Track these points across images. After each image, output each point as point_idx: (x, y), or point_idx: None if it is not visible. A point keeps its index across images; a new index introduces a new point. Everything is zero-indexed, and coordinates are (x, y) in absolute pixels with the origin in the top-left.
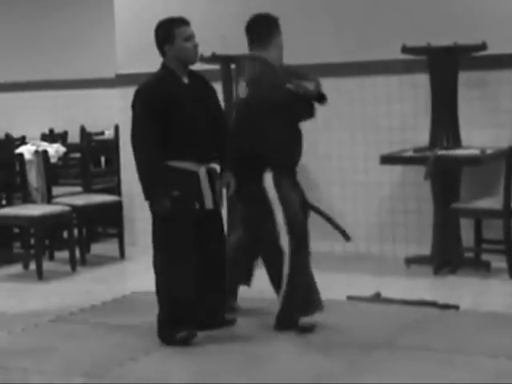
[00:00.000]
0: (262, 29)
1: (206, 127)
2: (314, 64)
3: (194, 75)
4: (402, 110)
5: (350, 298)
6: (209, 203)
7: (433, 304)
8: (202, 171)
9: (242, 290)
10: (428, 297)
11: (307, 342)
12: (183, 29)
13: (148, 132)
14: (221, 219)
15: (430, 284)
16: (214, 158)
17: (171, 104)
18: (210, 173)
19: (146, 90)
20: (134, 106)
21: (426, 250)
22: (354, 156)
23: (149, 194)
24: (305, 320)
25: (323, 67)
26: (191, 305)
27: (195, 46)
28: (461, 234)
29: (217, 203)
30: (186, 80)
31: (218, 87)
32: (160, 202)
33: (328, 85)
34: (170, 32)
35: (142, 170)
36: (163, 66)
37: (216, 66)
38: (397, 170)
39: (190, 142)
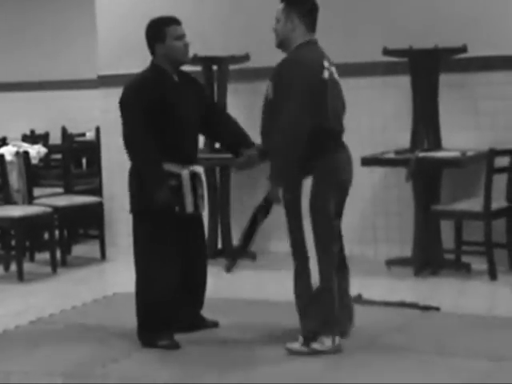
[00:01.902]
0: None
1: (194, 128)
2: None
3: (183, 75)
4: (383, 111)
5: None
6: (189, 207)
7: (414, 306)
8: (185, 174)
9: (224, 292)
10: (409, 298)
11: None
12: (174, 27)
13: (143, 132)
14: (202, 223)
15: (411, 286)
16: (197, 160)
17: (161, 104)
18: (193, 176)
19: (138, 90)
20: (123, 105)
21: (407, 251)
22: None
23: (150, 186)
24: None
25: None
26: (171, 307)
27: (186, 46)
28: (441, 235)
29: (198, 207)
30: (176, 79)
31: None
32: (162, 193)
33: None
34: (160, 31)
35: (142, 168)
36: (152, 64)
37: (198, 68)
38: (378, 171)
39: (176, 142)
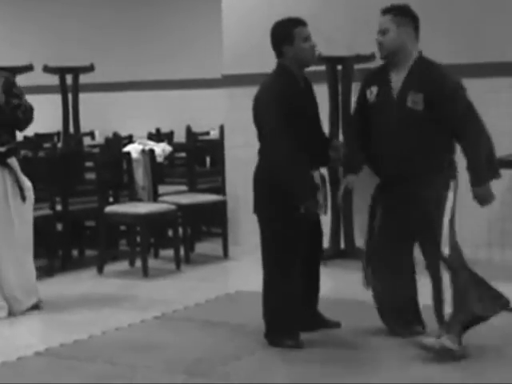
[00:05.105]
0: None
1: (319, 130)
2: None
3: (305, 79)
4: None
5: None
6: (322, 209)
7: None
8: (317, 175)
9: (345, 293)
10: None
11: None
12: (302, 29)
13: (286, 139)
14: (320, 226)
15: None
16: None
17: (293, 107)
18: (321, 178)
19: (278, 95)
20: (264, 112)
21: None
22: None
23: (301, 196)
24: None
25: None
26: (297, 307)
27: (313, 47)
28: None
29: (321, 209)
30: (302, 83)
31: (324, 89)
32: (312, 202)
33: None
34: (289, 32)
35: (288, 177)
36: (280, 67)
37: (322, 68)
38: (507, 173)
39: (307, 144)
